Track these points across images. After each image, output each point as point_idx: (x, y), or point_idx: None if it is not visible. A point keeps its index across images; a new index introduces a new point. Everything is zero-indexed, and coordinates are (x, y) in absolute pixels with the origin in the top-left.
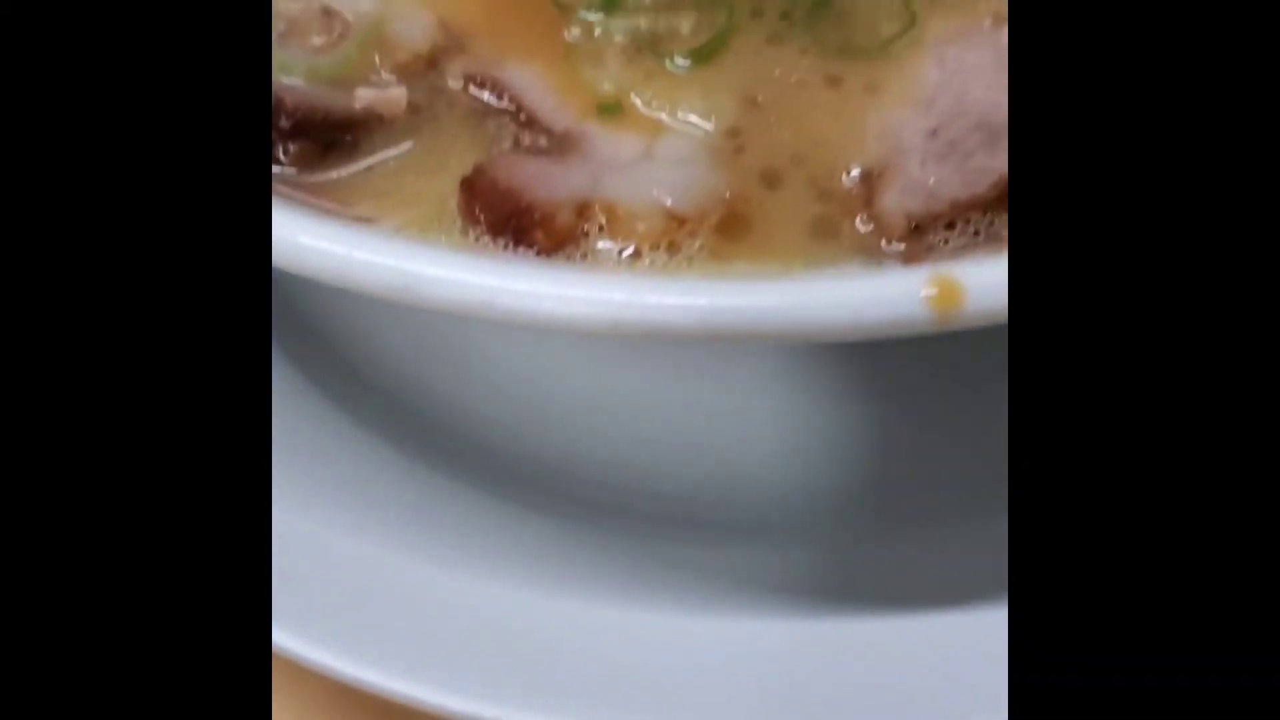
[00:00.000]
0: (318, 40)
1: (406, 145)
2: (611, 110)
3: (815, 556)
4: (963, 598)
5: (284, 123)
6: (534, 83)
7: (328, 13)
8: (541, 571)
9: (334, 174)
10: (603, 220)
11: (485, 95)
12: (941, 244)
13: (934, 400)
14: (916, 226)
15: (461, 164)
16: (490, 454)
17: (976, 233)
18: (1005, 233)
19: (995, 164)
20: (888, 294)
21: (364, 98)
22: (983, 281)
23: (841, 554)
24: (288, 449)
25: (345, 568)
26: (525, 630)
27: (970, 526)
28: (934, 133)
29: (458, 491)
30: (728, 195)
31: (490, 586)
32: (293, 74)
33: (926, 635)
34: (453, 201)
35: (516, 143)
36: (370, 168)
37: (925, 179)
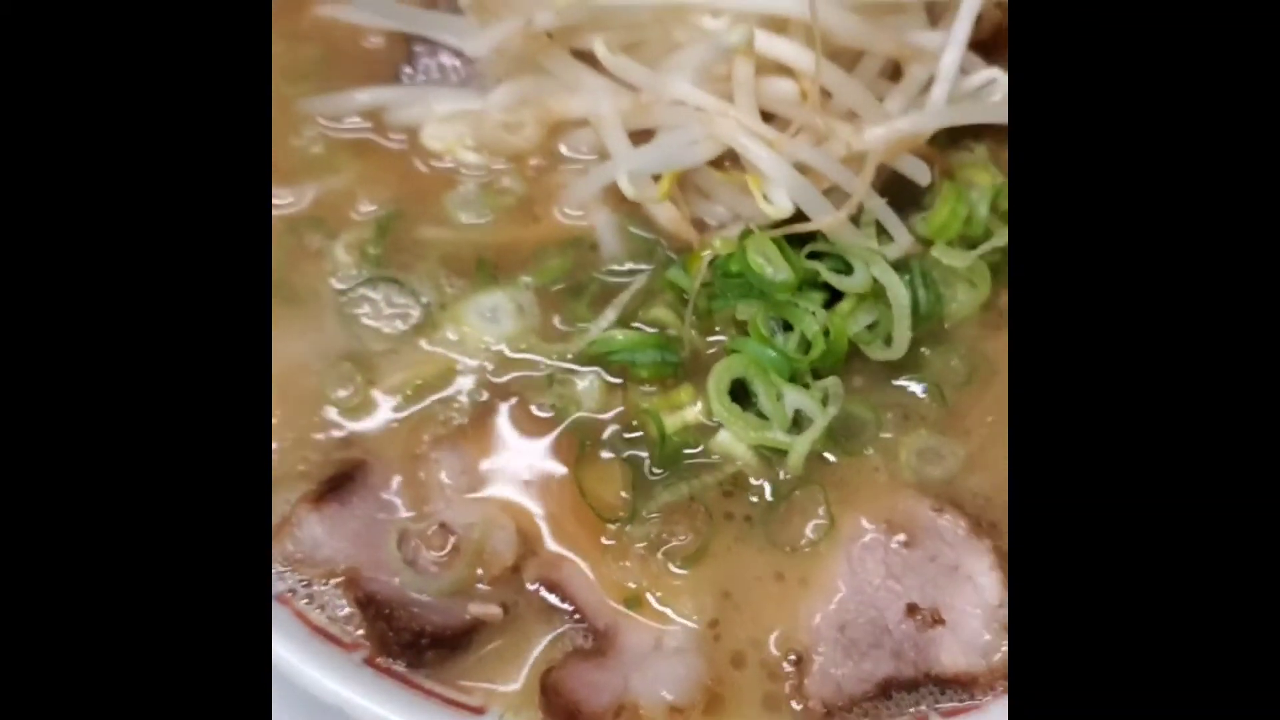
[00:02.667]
0: (436, 556)
1: (499, 641)
2: (634, 603)
3: None
4: None
5: (425, 641)
6: (583, 583)
7: (444, 527)
8: None
9: (454, 667)
10: (629, 718)
11: (552, 597)
12: None
13: None
14: (827, 712)
15: (537, 653)
16: None
17: (868, 715)
18: (888, 717)
19: (878, 671)
20: None
21: (474, 611)
22: None
23: None
24: None
25: None
26: None
27: None
28: (842, 628)
29: None
30: (709, 682)
31: None
32: (423, 593)
33: None
34: (534, 693)
35: (573, 643)
36: (479, 659)
37: (835, 673)
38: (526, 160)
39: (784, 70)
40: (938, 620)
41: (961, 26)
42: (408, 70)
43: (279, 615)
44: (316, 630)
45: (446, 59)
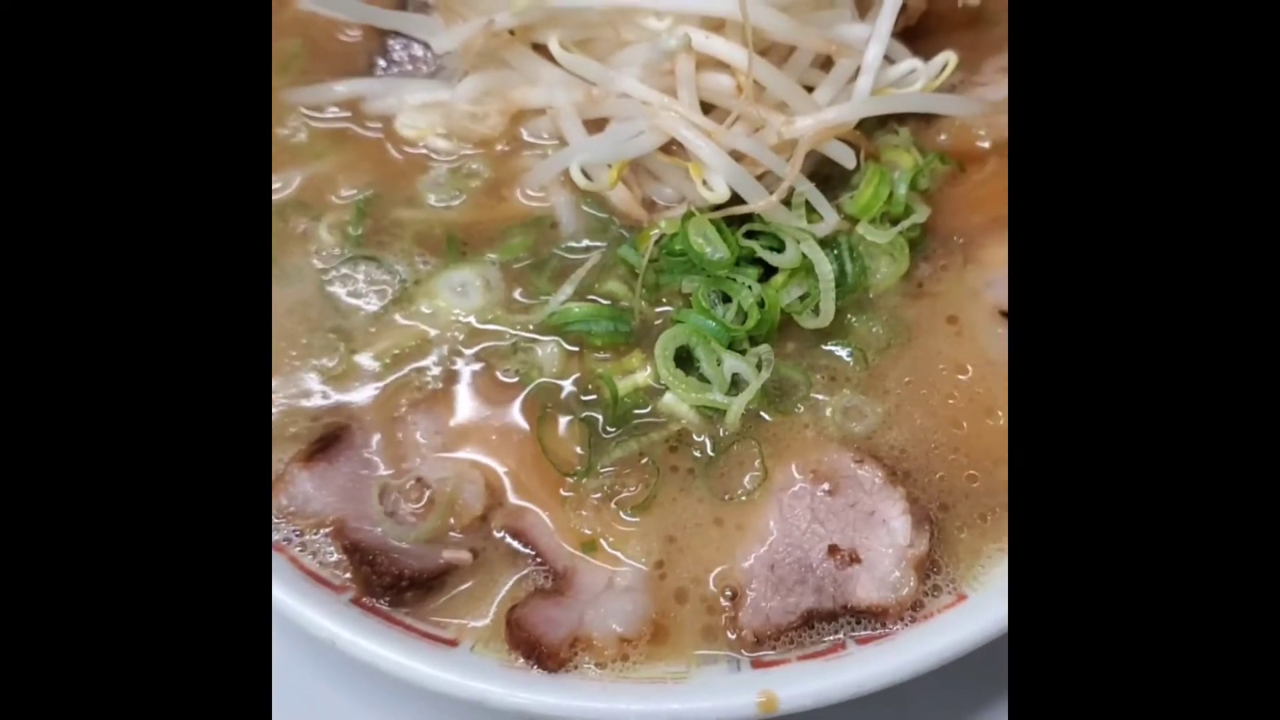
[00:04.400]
0: (413, 508)
1: (470, 582)
2: (589, 547)
3: None
4: None
5: (404, 583)
6: (543, 530)
7: (420, 482)
8: None
9: (430, 605)
10: (583, 648)
11: (516, 544)
12: (773, 651)
13: None
14: (758, 640)
15: (504, 593)
16: None
17: (793, 643)
18: (810, 645)
19: (803, 604)
20: (737, 703)
21: (447, 556)
22: (790, 693)
23: None
24: None
25: None
26: None
27: None
28: (772, 567)
29: None
30: (654, 616)
31: None
32: (402, 540)
33: None
34: (500, 627)
35: (535, 583)
36: (451, 598)
37: (765, 606)
38: (492, 146)
39: (722, 66)
40: (855, 559)
41: (884, 21)
42: (381, 62)
43: (276, 561)
44: (309, 574)
45: (418, 49)
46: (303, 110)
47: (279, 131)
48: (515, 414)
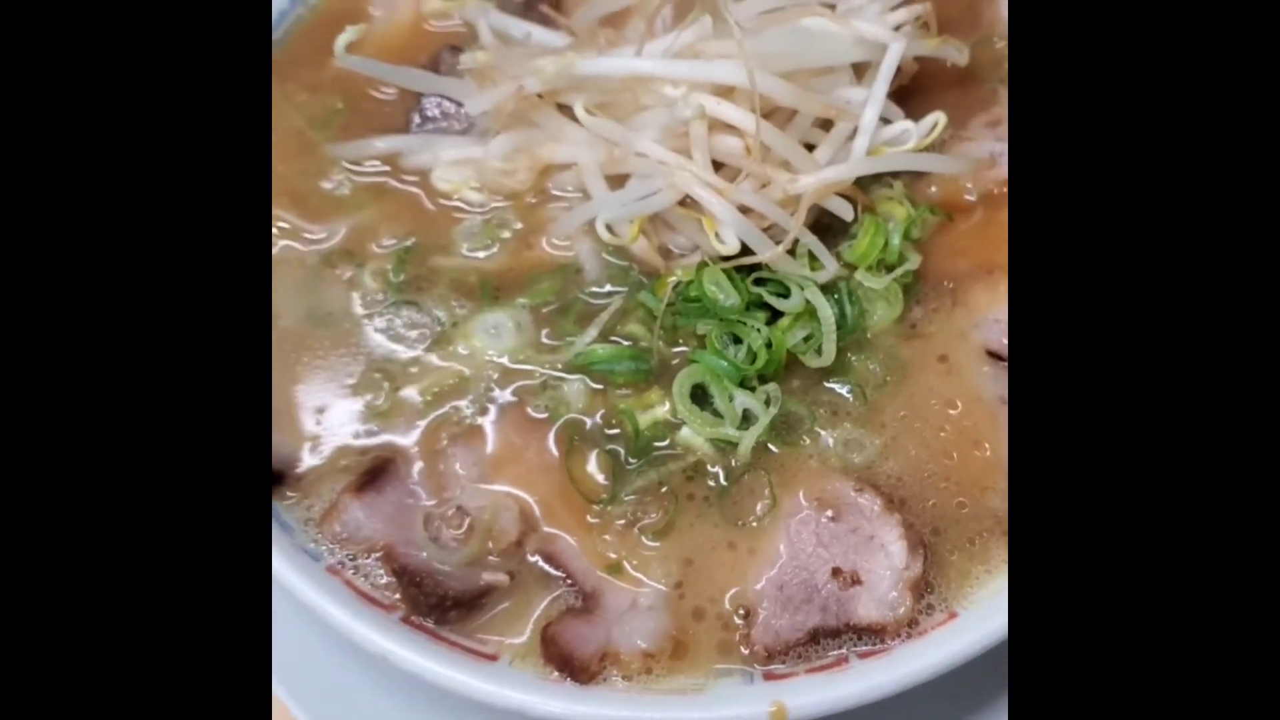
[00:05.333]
0: (455, 534)
1: (508, 602)
2: (615, 570)
3: None
4: None
5: (448, 603)
6: (573, 554)
7: (461, 510)
8: None
9: (472, 623)
10: (611, 662)
11: (548, 567)
12: (782, 665)
13: None
14: (769, 655)
15: (538, 612)
16: None
17: (800, 658)
18: (816, 659)
19: (809, 621)
20: (750, 712)
21: (486, 579)
22: (798, 703)
23: None
24: None
25: None
26: None
27: None
28: (781, 587)
29: None
30: (674, 632)
31: None
32: (445, 564)
33: None
34: (536, 643)
35: (566, 603)
36: (491, 617)
37: (775, 624)
38: (521, 198)
39: (732, 128)
40: (856, 581)
41: (880, 86)
42: (417, 119)
43: (332, 584)
44: (362, 595)
45: (450, 106)
46: (345, 164)
47: (325, 185)
48: (545, 447)
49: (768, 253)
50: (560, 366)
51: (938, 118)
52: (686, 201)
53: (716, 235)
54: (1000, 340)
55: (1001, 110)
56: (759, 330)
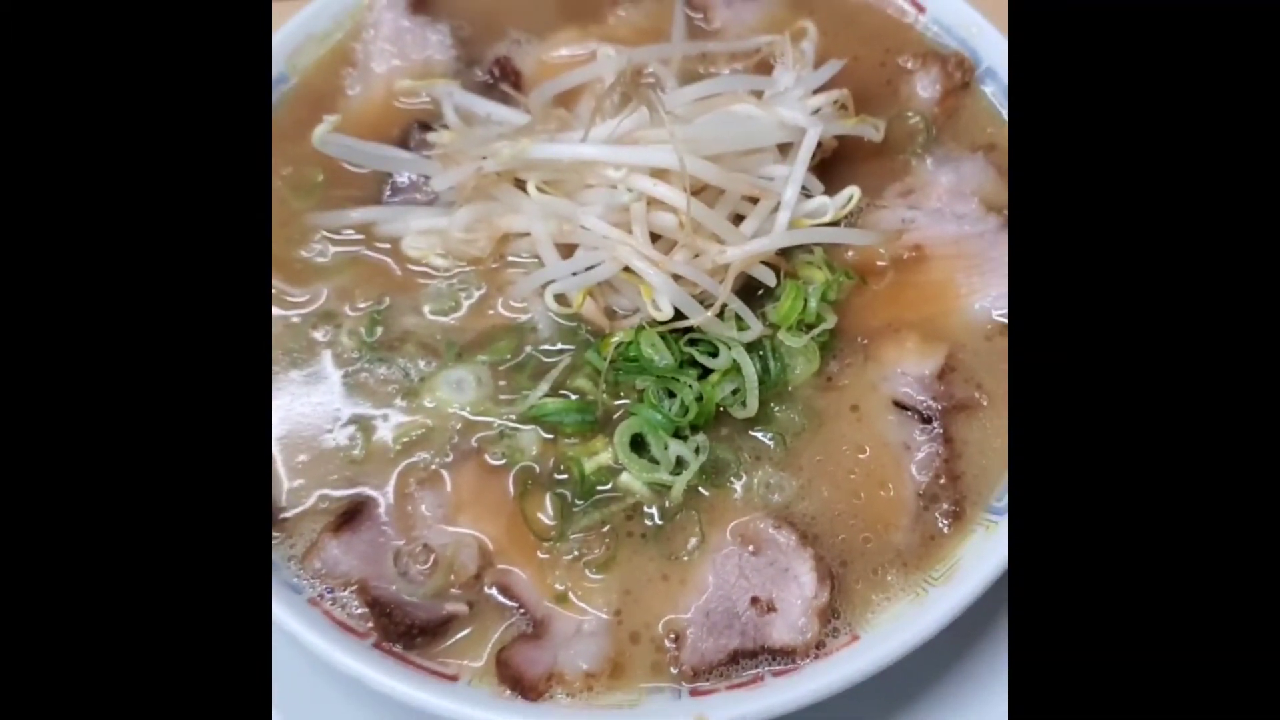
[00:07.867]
0: (421, 569)
1: (468, 630)
2: (562, 600)
3: None
4: None
5: (415, 631)
6: (525, 586)
7: (427, 547)
8: None
9: (436, 648)
10: (557, 682)
11: (503, 598)
12: (706, 682)
13: None
14: (695, 674)
15: (495, 638)
16: None
17: (722, 676)
18: (736, 677)
19: (730, 644)
20: None
21: (449, 609)
22: (720, 716)
23: None
24: None
25: None
26: None
27: None
28: (707, 614)
29: None
30: (613, 655)
31: None
32: (412, 596)
33: None
34: (493, 665)
35: (519, 630)
36: (453, 643)
37: (701, 646)
38: (482, 264)
39: (667, 206)
40: (772, 609)
41: (799, 167)
42: (389, 191)
43: (312, 615)
44: (339, 624)
45: (420, 177)
46: (324, 232)
47: (305, 253)
48: (502, 490)
49: (699, 317)
50: (515, 418)
51: (853, 191)
52: (628, 269)
53: (653, 302)
54: (905, 391)
55: (914, 180)
56: (691, 386)
